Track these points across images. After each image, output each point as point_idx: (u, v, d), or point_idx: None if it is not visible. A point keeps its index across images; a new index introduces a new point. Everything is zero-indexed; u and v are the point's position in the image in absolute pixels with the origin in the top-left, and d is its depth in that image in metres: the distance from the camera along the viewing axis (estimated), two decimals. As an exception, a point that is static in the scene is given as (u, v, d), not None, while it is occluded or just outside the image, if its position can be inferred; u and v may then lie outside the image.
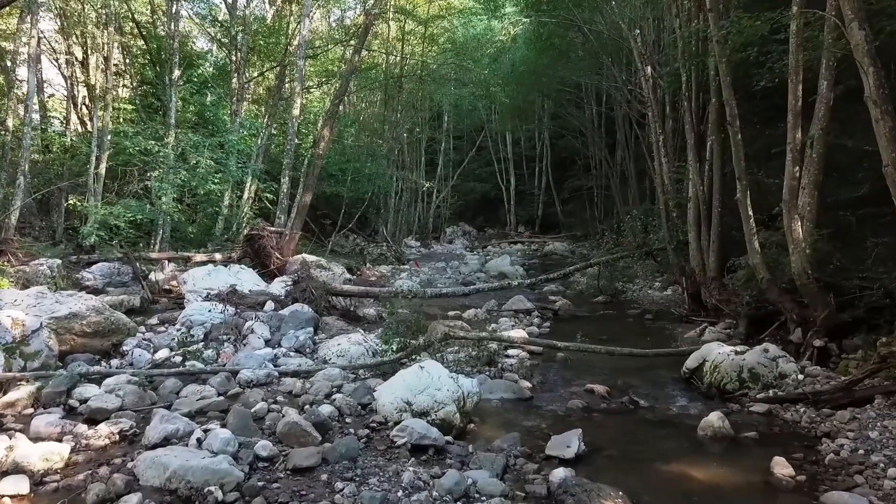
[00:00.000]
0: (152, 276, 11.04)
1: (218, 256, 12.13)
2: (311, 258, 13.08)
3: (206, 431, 3.93)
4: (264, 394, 5.05)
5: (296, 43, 14.85)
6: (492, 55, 23.47)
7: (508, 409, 5.61)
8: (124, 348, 6.00)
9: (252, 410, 4.49)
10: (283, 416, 4.51)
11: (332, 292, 9.05)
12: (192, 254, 12.28)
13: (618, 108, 19.75)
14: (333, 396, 5.02)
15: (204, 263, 11.45)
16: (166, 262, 11.92)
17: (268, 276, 11.43)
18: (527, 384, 6.16)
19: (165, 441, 3.81)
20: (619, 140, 20.85)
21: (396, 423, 4.61)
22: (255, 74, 17.63)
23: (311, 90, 19.37)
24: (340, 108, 22.56)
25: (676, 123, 12.53)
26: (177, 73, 13.39)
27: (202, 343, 6.29)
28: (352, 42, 16.78)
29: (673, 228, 11.04)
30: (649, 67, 12.18)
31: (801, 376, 6.11)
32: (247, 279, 9.12)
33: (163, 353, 5.72)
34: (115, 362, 5.55)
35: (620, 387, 6.22)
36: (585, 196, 24.38)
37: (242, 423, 4.13)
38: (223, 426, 4.17)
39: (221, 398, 4.82)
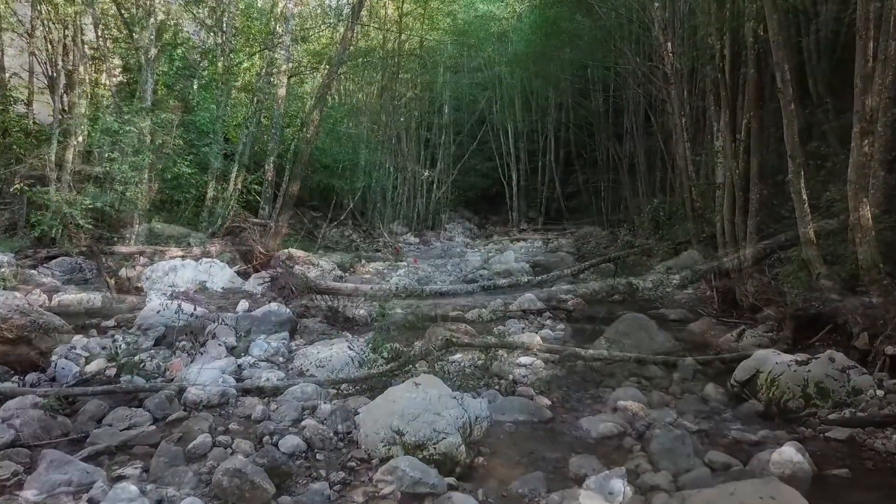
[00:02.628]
0: (123, 273, 9.94)
1: (196, 251, 11.02)
2: (298, 253, 12.01)
3: (113, 481, 2.81)
4: (214, 419, 3.93)
5: (280, 13, 13.70)
6: (496, 35, 22.28)
7: (525, 434, 4.49)
8: (53, 358, 4.89)
9: (189, 446, 3.38)
10: (233, 451, 3.41)
11: (316, 290, 7.95)
12: (168, 248, 11.17)
13: (630, 92, 18.63)
14: (303, 423, 3.91)
15: (183, 258, 10.38)
16: (139, 256, 10.81)
17: (251, 271, 10.36)
18: (545, 401, 5.07)
19: (50, 499, 2.70)
20: (628, 129, 19.78)
21: (383, 461, 3.53)
22: (243, 58, 16.50)
23: (303, 75, 18.25)
24: (337, 97, 21.51)
25: (695, 105, 11.51)
26: (153, 50, 12.26)
27: (151, 350, 5.18)
28: (342, 21, 15.63)
29: (699, 219, 9.95)
30: (670, 43, 11.10)
31: (879, 392, 5.01)
32: (219, 275, 8.02)
33: (95, 365, 4.61)
34: (31, 377, 4.43)
35: (657, 403, 5.13)
36: (591, 190, 23.34)
37: (170, 468, 3.02)
38: (145, 470, 3.06)
39: (154, 427, 3.71)
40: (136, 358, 4.68)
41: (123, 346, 4.96)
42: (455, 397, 4.02)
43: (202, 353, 5.15)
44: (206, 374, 4.62)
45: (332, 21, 18.65)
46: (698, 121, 11.11)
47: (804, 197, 6.34)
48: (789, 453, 3.88)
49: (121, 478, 2.95)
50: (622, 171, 19.65)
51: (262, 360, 5.40)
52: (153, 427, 3.72)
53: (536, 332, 7.47)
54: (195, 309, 5.75)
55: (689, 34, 10.61)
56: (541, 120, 26.24)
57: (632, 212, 17.30)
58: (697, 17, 10.05)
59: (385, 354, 5.49)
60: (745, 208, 8.03)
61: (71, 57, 12.46)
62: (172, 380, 4.57)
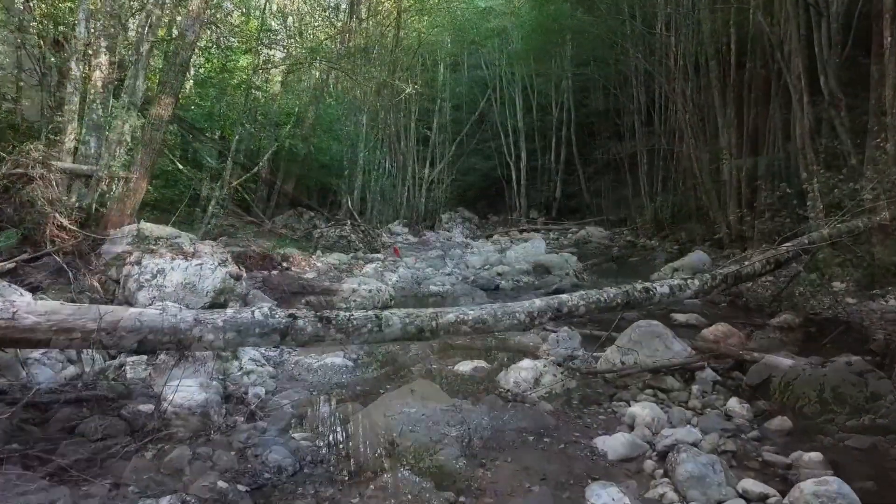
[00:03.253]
0: (111, 274, 9.66)
1: (187, 250, 10.75)
2: (294, 253, 11.78)
3: (78, 501, 2.55)
4: (195, 430, 3.68)
5: (276, 10, 13.46)
6: (495, 31, 22.04)
7: (527, 444, 4.21)
8: (28, 363, 4.63)
9: (166, 459, 3.13)
10: (213, 465, 3.15)
11: (311, 291, 7.71)
12: (158, 248, 10.88)
13: (632, 90, 18.42)
14: (291, 433, 3.66)
15: (173, 259, 10.14)
16: (127, 257, 10.53)
17: (244, 272, 10.10)
18: (548, 407, 4.80)
19: (4, 524, 2.45)
20: (629, 128, 19.57)
21: (376, 474, 3.27)
22: (239, 55, 16.26)
23: (300, 72, 18.01)
24: (335, 94, 21.24)
25: (699, 101, 11.27)
26: (146, 46, 11.98)
27: (133, 356, 4.93)
28: (340, 19, 15.39)
29: (704, 219, 9.73)
30: (673, 38, 10.86)
31: (900, 397, 4.76)
32: (210, 277, 7.75)
33: (71, 370, 4.36)
34: (1, 382, 4.18)
35: (678, 420, 4.81)
36: (592, 190, 23.21)
37: (142, 485, 2.76)
38: (116, 487, 2.81)
39: (130, 438, 3.46)
40: (116, 363, 4.42)
41: (103, 351, 4.70)
42: (454, 406, 3.78)
43: (186, 359, 4.89)
44: (189, 381, 4.36)
45: (329, 16, 18.40)
46: (703, 118, 10.88)
47: (817, 193, 6.10)
48: (835, 484, 3.51)
49: (88, 496, 2.69)
50: (623, 171, 19.45)
51: (252, 365, 5.14)
52: (128, 438, 3.46)
53: (539, 335, 7.21)
54: (181, 311, 5.48)
55: (694, 29, 10.37)
56: (541, 119, 26.06)
57: (633, 211, 17.07)
58: (702, 10, 9.81)
59: (380, 359, 5.25)
60: (753, 206, 7.81)
61: (62, 53, 12.18)
62: (153, 387, 4.31)
